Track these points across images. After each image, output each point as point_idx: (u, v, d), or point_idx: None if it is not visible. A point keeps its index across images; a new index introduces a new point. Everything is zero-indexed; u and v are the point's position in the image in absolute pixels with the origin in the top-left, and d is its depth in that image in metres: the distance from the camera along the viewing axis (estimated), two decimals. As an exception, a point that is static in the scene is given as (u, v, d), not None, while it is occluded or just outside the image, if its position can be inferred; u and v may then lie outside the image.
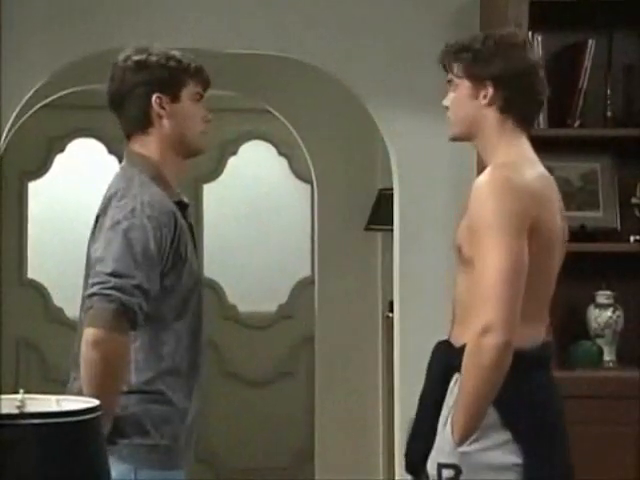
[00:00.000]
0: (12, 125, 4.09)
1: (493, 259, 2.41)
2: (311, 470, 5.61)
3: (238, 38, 3.97)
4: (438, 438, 2.48)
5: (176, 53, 2.53)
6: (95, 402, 1.77)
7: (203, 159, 5.44)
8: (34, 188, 6.23)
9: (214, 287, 6.30)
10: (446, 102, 2.64)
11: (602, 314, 3.69)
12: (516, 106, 2.57)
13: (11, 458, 1.63)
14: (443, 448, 2.46)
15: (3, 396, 1.79)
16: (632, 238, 3.72)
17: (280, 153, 6.41)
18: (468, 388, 2.42)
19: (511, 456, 2.44)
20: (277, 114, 5.54)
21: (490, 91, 2.56)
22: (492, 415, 2.45)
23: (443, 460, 2.45)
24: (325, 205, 5.54)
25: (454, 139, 2.67)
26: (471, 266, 2.48)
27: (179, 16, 3.91)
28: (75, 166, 6.11)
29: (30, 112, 4.83)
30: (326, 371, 5.49)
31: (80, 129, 6.08)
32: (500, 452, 2.44)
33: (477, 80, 2.57)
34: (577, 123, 3.71)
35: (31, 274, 6.23)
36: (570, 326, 3.73)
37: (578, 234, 3.69)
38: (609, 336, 3.69)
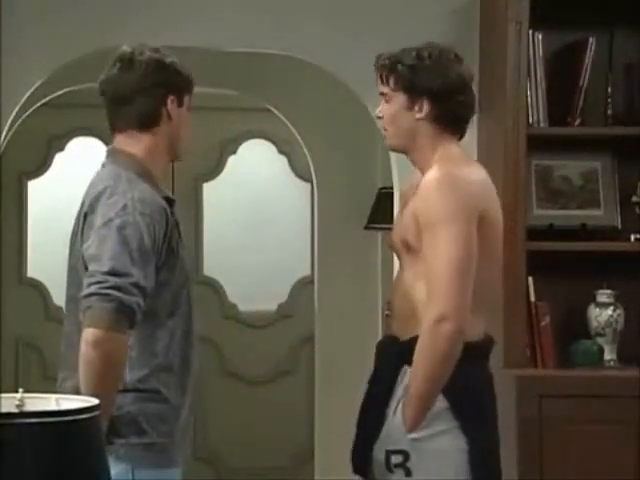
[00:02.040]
0: (12, 124, 4.08)
1: (444, 249, 2.50)
2: (311, 469, 5.61)
3: (238, 37, 3.96)
4: (386, 427, 2.56)
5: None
6: (94, 401, 1.76)
7: (203, 158, 5.44)
8: (34, 187, 6.22)
9: (214, 286, 6.29)
10: (379, 113, 2.74)
11: (603, 313, 3.69)
12: (449, 118, 2.68)
13: (10, 457, 1.63)
14: (392, 435, 2.55)
15: (2, 395, 1.78)
16: (633, 237, 3.71)
17: (280, 152, 6.40)
18: (422, 376, 2.50)
19: (458, 442, 2.55)
20: (277, 113, 5.53)
21: (425, 105, 2.66)
22: (441, 402, 2.55)
23: (392, 447, 2.55)
24: (325, 204, 5.53)
25: (392, 150, 2.81)
26: (415, 260, 2.57)
27: (179, 15, 3.91)
28: (75, 165, 6.10)
29: (30, 111, 4.83)
30: (326, 370, 5.48)
31: (80, 128, 6.08)
32: (448, 438, 2.55)
33: (413, 94, 2.67)
34: (577, 122, 3.70)
35: (31, 273, 6.23)
36: (570, 325, 3.73)
37: (579, 233, 3.69)
38: (610, 335, 3.68)
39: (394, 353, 2.62)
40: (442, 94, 2.66)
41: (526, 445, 3.46)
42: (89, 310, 2.29)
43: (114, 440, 2.34)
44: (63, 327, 2.52)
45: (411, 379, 2.53)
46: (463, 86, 2.70)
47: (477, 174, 2.66)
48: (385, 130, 2.73)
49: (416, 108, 2.67)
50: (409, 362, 2.55)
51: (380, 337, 5.33)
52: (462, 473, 2.55)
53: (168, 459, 2.42)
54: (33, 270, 6.21)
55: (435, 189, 2.56)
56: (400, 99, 2.68)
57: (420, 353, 2.50)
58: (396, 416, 2.55)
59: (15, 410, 1.70)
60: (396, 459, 2.53)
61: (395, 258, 2.77)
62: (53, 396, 1.81)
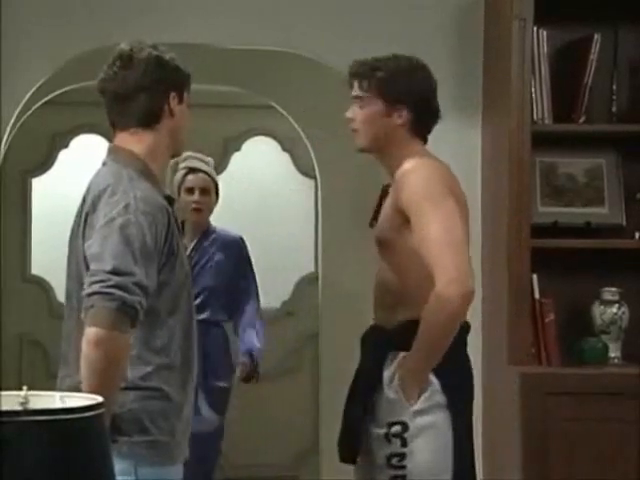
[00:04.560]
0: (15, 121, 4.08)
1: (438, 222, 2.62)
2: (315, 467, 5.61)
3: (241, 34, 3.96)
4: (383, 405, 2.68)
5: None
6: (98, 399, 1.76)
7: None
8: (38, 184, 6.22)
9: (218, 283, 6.28)
10: (350, 114, 2.84)
11: (607, 310, 3.68)
12: (422, 124, 2.81)
13: (14, 455, 1.62)
14: (392, 409, 2.67)
15: (6, 392, 1.78)
16: (637, 234, 3.71)
17: (284, 149, 6.40)
18: (431, 339, 2.62)
19: (446, 419, 2.67)
20: (281, 110, 5.52)
21: (404, 112, 2.78)
22: (435, 381, 2.67)
23: (393, 419, 2.67)
24: (329, 201, 5.52)
25: (362, 151, 2.90)
26: (393, 253, 2.71)
27: (183, 12, 3.90)
28: (79, 162, 6.09)
29: (34, 108, 4.82)
30: (330, 368, 5.47)
31: (84, 125, 6.07)
32: (441, 414, 2.67)
33: (391, 100, 2.78)
34: (582, 119, 3.70)
35: (35, 270, 6.23)
36: (575, 323, 3.72)
37: (583, 230, 3.69)
38: (614, 332, 3.68)
39: (380, 341, 2.74)
40: (420, 102, 2.79)
41: (530, 443, 3.46)
42: (91, 309, 2.28)
43: (117, 438, 2.33)
44: (63, 325, 2.52)
45: (419, 342, 2.62)
46: (434, 94, 2.83)
47: (444, 164, 2.80)
48: (355, 131, 2.83)
49: (395, 115, 2.78)
50: (397, 348, 2.69)
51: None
52: (449, 448, 2.68)
53: (170, 456, 2.42)
54: (37, 267, 6.21)
55: (413, 175, 2.70)
56: (377, 105, 2.79)
57: (431, 315, 2.59)
58: (391, 392, 2.68)
59: (19, 408, 1.69)
60: (395, 429, 2.66)
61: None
62: (57, 394, 1.80)
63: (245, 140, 6.39)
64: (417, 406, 2.67)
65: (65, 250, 2.54)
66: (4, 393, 1.77)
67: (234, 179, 6.37)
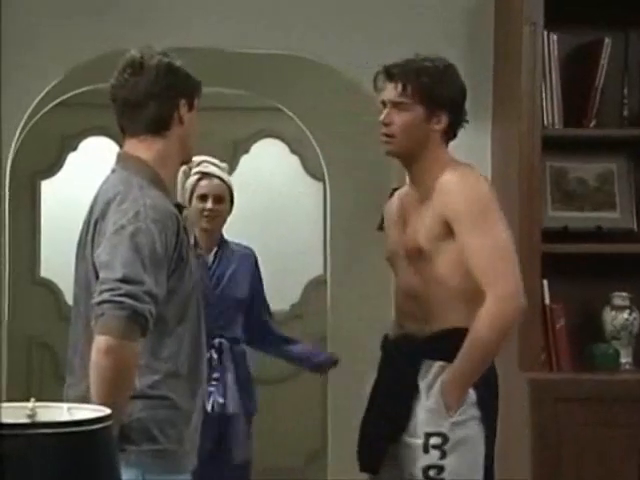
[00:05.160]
0: (25, 124, 4.08)
1: (492, 235, 2.60)
2: (323, 469, 5.59)
3: (247, 38, 3.96)
4: (420, 415, 2.64)
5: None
6: (106, 411, 1.74)
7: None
8: (47, 186, 6.22)
9: (227, 286, 6.27)
10: (387, 119, 2.75)
11: (618, 316, 3.66)
12: (453, 129, 2.76)
13: (22, 468, 1.61)
14: (430, 419, 2.63)
15: (14, 404, 1.76)
16: (649, 239, 3.69)
17: (292, 151, 6.38)
18: (480, 353, 2.60)
19: (480, 433, 2.65)
20: (289, 113, 5.51)
21: (443, 118, 2.72)
22: (471, 393, 2.65)
23: (432, 429, 2.63)
24: (338, 204, 5.51)
25: (394, 156, 2.82)
26: (431, 263, 2.66)
27: (191, 16, 3.90)
28: (88, 164, 6.09)
29: (43, 111, 4.82)
30: (338, 370, 5.45)
31: (93, 127, 6.07)
32: (474, 427, 2.65)
33: (433, 105, 2.71)
34: (593, 123, 3.68)
35: (44, 273, 6.23)
36: (586, 328, 3.70)
37: (594, 235, 3.67)
38: (625, 338, 3.66)
39: (413, 350, 2.69)
40: (457, 107, 2.74)
41: (541, 448, 3.44)
42: (101, 318, 2.27)
43: (125, 447, 2.32)
44: (70, 332, 2.51)
45: (466, 354, 2.60)
46: (466, 98, 2.78)
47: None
48: (391, 137, 2.75)
49: (434, 120, 2.72)
50: (430, 357, 2.65)
51: (384, 335, 5.38)
52: (481, 463, 2.66)
53: (178, 465, 2.41)
54: (46, 270, 6.21)
55: (460, 185, 2.64)
56: (418, 110, 2.71)
57: (483, 329, 2.57)
58: (430, 401, 2.64)
59: (27, 420, 1.68)
60: (435, 441, 2.62)
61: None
62: (65, 405, 1.79)
63: (254, 142, 6.38)
64: (455, 418, 2.63)
65: (74, 252, 2.53)
66: (12, 405, 1.76)
67: (243, 181, 6.35)
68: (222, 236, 4.02)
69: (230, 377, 3.84)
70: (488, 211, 2.62)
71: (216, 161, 4.07)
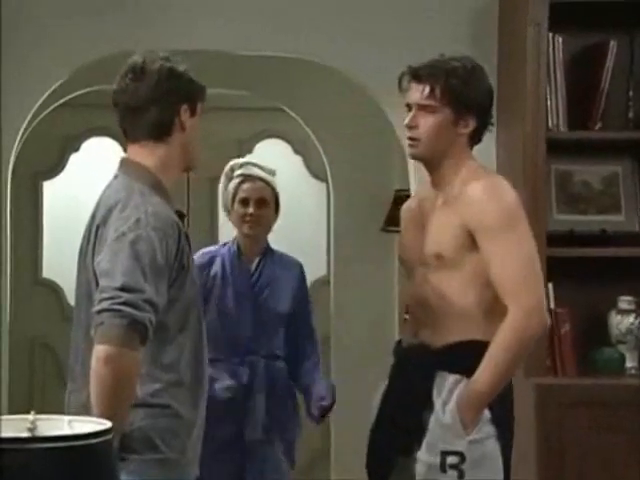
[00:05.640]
0: (28, 124, 4.07)
1: (517, 248, 2.54)
2: (327, 469, 5.58)
3: (252, 40, 3.94)
4: (435, 429, 2.56)
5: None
6: (107, 424, 1.72)
7: (218, 158, 5.40)
8: (49, 187, 6.20)
9: (230, 287, 6.25)
10: (412, 122, 2.64)
11: (624, 320, 3.64)
12: (479, 133, 2.69)
13: (22, 482, 1.60)
14: (446, 436, 2.55)
15: (14, 417, 1.75)
16: (654, 242, 3.66)
17: (296, 151, 6.36)
18: (502, 368, 2.53)
19: (497, 450, 2.58)
20: (292, 114, 5.49)
21: (470, 121, 2.64)
22: (485, 410, 2.58)
23: (448, 448, 2.55)
24: (341, 204, 5.50)
25: (418, 159, 2.72)
26: (452, 271, 2.57)
27: (194, 19, 3.89)
28: (90, 165, 6.07)
29: (46, 112, 4.81)
30: (342, 372, 5.44)
31: (95, 128, 6.05)
32: (490, 446, 2.58)
33: (461, 108, 2.62)
34: (598, 125, 3.66)
35: (46, 273, 6.21)
36: (591, 332, 3.68)
37: (599, 238, 3.64)
38: (631, 342, 3.63)
39: (427, 361, 2.61)
40: (485, 110, 2.65)
41: (546, 454, 3.42)
42: (101, 327, 2.25)
43: (126, 456, 2.30)
44: (71, 338, 2.49)
45: (488, 369, 2.53)
46: (493, 100, 2.71)
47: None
48: (416, 140, 2.65)
49: (461, 123, 2.64)
50: (444, 368, 2.58)
51: (397, 341, 5.37)
52: (500, 478, 2.60)
53: (181, 475, 2.40)
54: (48, 271, 6.19)
55: (487, 195, 2.58)
56: (446, 113, 2.62)
57: (506, 344, 2.52)
58: (446, 417, 2.56)
59: (27, 433, 1.66)
60: (452, 460, 2.55)
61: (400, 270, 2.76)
62: (66, 418, 1.77)
63: (256, 143, 6.35)
64: (472, 436, 2.56)
65: (76, 253, 2.52)
66: (12, 417, 1.75)
67: (246, 181, 6.33)
68: (267, 244, 3.78)
69: (260, 399, 3.56)
70: (515, 223, 2.56)
71: (260, 163, 3.83)
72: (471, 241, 2.57)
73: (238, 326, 3.60)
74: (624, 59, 3.68)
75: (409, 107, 2.67)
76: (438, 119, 2.62)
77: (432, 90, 2.61)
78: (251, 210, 3.65)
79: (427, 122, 2.62)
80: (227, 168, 3.82)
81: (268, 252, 3.74)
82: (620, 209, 3.71)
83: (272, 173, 3.80)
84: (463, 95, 2.60)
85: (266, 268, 3.69)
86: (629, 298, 3.64)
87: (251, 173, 3.71)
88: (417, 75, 2.64)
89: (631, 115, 3.70)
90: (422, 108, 2.63)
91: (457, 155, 2.65)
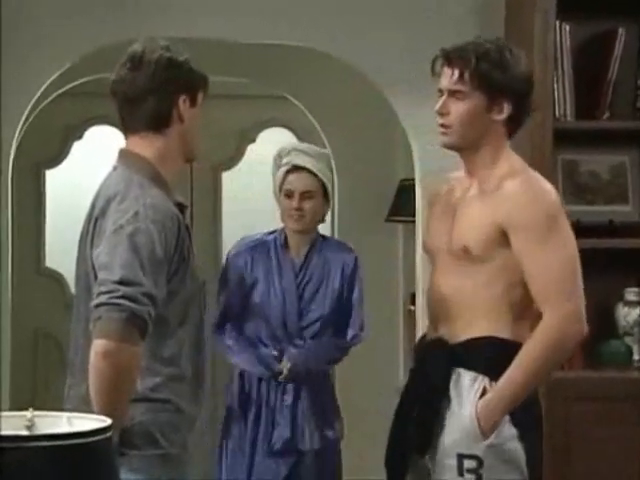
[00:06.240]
0: (29, 113, 4.04)
1: (558, 251, 2.44)
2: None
3: (254, 29, 3.91)
4: (453, 430, 2.47)
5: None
6: (107, 421, 1.69)
7: (221, 147, 5.37)
8: (51, 176, 6.18)
9: (233, 276, 6.22)
10: (443, 109, 2.52)
11: (631, 312, 3.61)
12: (520, 120, 2.56)
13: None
14: (463, 439, 2.46)
15: (12, 413, 1.72)
16: (662, 233, 3.63)
17: (299, 140, 6.32)
18: (533, 373, 2.43)
19: (518, 452, 2.47)
20: (296, 102, 5.46)
21: (506, 106, 2.51)
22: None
23: (465, 451, 2.45)
24: (345, 195, 5.46)
25: (449, 147, 2.59)
26: (479, 267, 2.47)
27: (196, 7, 3.85)
28: (93, 153, 6.04)
29: (48, 100, 4.78)
30: (346, 365, 5.41)
31: (98, 116, 6.01)
32: (513, 445, 2.46)
33: (494, 93, 2.50)
34: (606, 115, 3.62)
35: (49, 263, 6.19)
36: (598, 324, 3.63)
37: (606, 229, 3.61)
38: (638, 334, 3.61)
39: (445, 356, 2.52)
40: (522, 95, 2.52)
41: (553, 447, 3.38)
42: (99, 321, 2.22)
43: (126, 451, 2.27)
44: (71, 331, 2.46)
45: (518, 373, 2.43)
46: (533, 86, 2.58)
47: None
48: (447, 127, 2.53)
49: (495, 109, 2.51)
50: (462, 365, 2.49)
51: (402, 331, 5.34)
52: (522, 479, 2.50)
53: (182, 470, 2.37)
54: (51, 260, 6.17)
55: (528, 194, 2.47)
56: (479, 99, 2.49)
57: (540, 348, 2.42)
58: (464, 419, 2.46)
59: (25, 431, 1.63)
60: (469, 464, 2.45)
61: (421, 261, 2.70)
62: (64, 415, 1.74)
63: (260, 131, 6.32)
64: (490, 440, 2.45)
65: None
66: (10, 414, 1.72)
67: (249, 171, 6.30)
68: (317, 237, 3.61)
69: (303, 406, 3.46)
70: (555, 225, 2.44)
71: (310, 149, 3.64)
72: (502, 238, 2.46)
73: (280, 322, 3.51)
74: (632, 48, 3.65)
75: (441, 92, 2.56)
76: (469, 105, 2.50)
77: (461, 74, 2.50)
78: (295, 204, 3.51)
79: (458, 108, 2.50)
80: (276, 154, 3.64)
81: (316, 245, 3.58)
82: (627, 199, 3.68)
83: (322, 158, 3.62)
84: (495, 79, 2.48)
85: (311, 264, 3.56)
86: (636, 290, 3.61)
87: (296, 162, 3.55)
88: (448, 58, 2.52)
89: (639, 104, 3.66)
90: (453, 94, 2.51)
91: (493, 143, 2.52)
